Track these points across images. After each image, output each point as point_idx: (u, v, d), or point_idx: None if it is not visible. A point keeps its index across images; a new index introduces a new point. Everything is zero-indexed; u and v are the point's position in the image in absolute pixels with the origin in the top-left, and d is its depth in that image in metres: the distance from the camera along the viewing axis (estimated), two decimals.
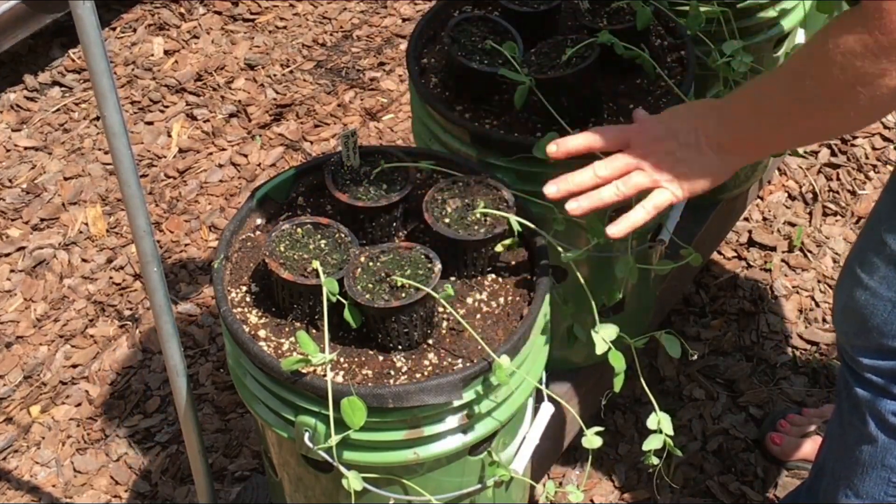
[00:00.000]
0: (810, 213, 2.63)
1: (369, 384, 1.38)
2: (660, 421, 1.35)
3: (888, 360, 1.59)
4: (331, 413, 1.33)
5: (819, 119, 1.31)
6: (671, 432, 1.35)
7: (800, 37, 2.13)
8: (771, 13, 2.03)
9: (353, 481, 1.36)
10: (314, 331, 1.45)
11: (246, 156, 2.83)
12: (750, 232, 2.58)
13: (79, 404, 2.31)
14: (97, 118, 2.95)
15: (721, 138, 1.37)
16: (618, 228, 1.39)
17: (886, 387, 1.61)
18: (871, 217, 1.59)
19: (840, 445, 1.74)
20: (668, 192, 1.39)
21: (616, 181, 1.39)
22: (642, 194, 1.40)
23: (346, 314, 1.38)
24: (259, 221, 1.60)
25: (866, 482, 1.70)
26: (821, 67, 1.25)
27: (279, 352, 1.42)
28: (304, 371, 1.36)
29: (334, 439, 1.33)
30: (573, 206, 1.39)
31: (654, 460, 1.38)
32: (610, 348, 1.34)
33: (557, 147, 1.44)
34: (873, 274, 1.55)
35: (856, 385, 1.65)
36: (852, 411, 1.68)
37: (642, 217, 1.39)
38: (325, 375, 1.36)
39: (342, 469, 1.37)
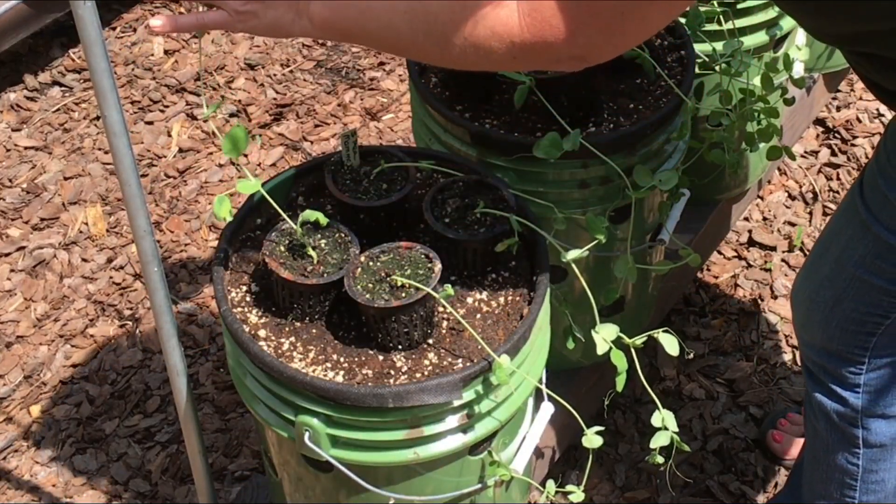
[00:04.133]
0: (810, 213, 2.63)
1: (369, 384, 1.38)
2: (664, 418, 1.35)
3: (829, 360, 1.58)
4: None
5: (415, 50, 1.29)
6: (676, 429, 1.35)
7: (800, 37, 2.13)
8: (771, 13, 2.04)
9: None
10: (314, 330, 1.45)
11: (246, 156, 2.83)
12: (750, 232, 2.58)
13: (79, 404, 2.31)
14: (97, 118, 2.95)
15: (312, 10, 1.30)
16: (162, 21, 1.31)
17: (831, 386, 1.60)
18: (833, 215, 1.59)
19: (806, 440, 1.75)
20: (224, 13, 1.31)
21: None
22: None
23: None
24: (259, 221, 1.60)
25: (825, 483, 1.70)
26: (458, 23, 1.22)
27: (279, 352, 1.42)
28: (303, 370, 1.36)
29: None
30: (156, 22, 1.31)
31: (660, 459, 1.38)
32: (611, 348, 1.34)
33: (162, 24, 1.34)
34: (820, 271, 1.55)
35: (808, 380, 1.65)
36: (808, 407, 1.68)
37: (191, 22, 1.33)
38: (316, 370, 1.36)
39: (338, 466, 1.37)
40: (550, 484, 1.47)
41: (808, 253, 2.54)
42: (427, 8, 1.25)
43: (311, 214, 1.40)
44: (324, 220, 1.43)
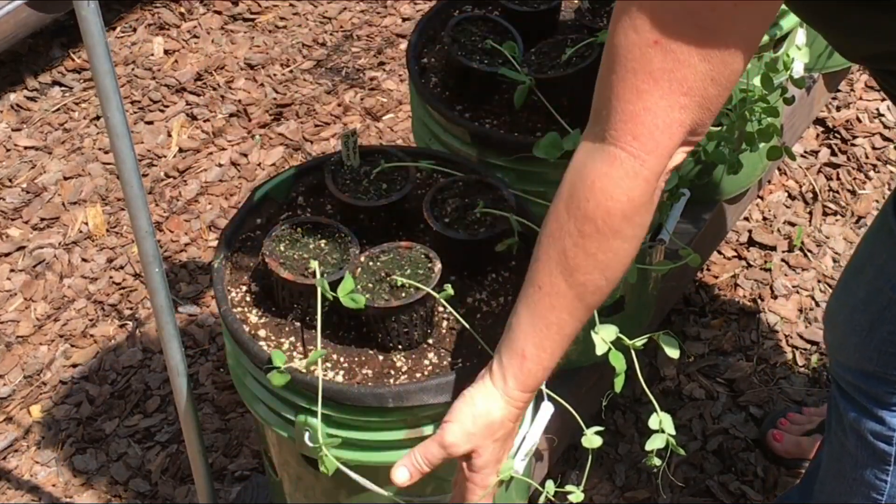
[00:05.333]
0: (810, 213, 2.63)
1: (369, 384, 1.38)
2: (661, 421, 1.35)
3: (866, 381, 1.58)
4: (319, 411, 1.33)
5: (622, 270, 1.22)
6: (673, 431, 1.35)
7: (800, 37, 2.13)
8: None
9: (328, 464, 1.36)
10: (314, 330, 1.45)
11: (246, 155, 2.83)
12: (750, 232, 2.59)
13: (79, 404, 2.31)
14: (97, 118, 2.95)
15: (523, 390, 1.29)
16: None
17: (867, 406, 1.60)
18: (864, 236, 1.59)
19: (827, 452, 1.74)
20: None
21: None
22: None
23: (345, 300, 1.36)
24: (259, 221, 1.60)
25: (848, 494, 1.70)
26: (589, 242, 1.17)
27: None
28: (303, 370, 1.36)
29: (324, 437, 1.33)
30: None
31: (657, 461, 1.38)
32: (610, 349, 1.34)
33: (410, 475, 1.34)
34: (855, 294, 1.55)
35: (840, 398, 1.64)
36: (837, 423, 1.67)
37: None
38: (314, 371, 1.36)
39: (328, 456, 1.37)
40: (550, 484, 1.47)
41: (808, 253, 2.54)
42: (575, 277, 1.19)
43: (322, 283, 1.38)
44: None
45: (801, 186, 2.69)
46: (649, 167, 1.13)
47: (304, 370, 1.37)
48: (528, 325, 1.24)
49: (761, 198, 2.66)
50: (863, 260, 1.55)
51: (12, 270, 2.58)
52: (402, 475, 1.31)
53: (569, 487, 1.42)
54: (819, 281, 2.48)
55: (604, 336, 1.34)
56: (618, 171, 1.13)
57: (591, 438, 1.39)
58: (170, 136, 2.90)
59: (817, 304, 2.44)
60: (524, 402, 1.29)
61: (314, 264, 1.42)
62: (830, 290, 2.46)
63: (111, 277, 2.55)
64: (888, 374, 1.54)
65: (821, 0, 1.26)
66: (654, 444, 1.35)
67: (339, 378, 1.39)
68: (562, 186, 1.18)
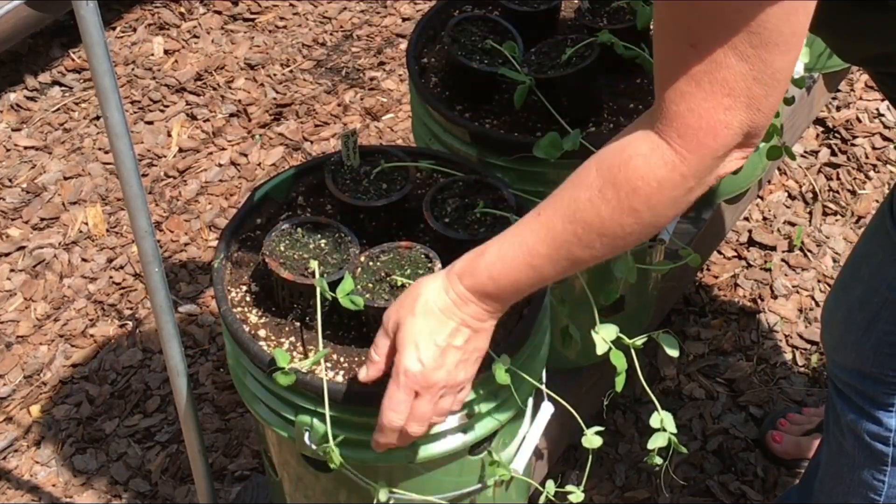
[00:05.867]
0: (810, 213, 2.63)
1: (369, 384, 1.38)
2: (662, 419, 1.35)
3: (863, 382, 1.58)
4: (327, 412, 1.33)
5: (618, 250, 1.22)
6: (674, 430, 1.35)
7: None
8: None
9: (381, 494, 1.36)
10: (314, 330, 1.45)
11: (246, 155, 2.83)
12: (750, 232, 2.59)
13: (79, 404, 2.31)
14: (97, 118, 2.95)
15: (491, 308, 1.27)
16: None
17: (864, 407, 1.60)
18: (862, 235, 1.59)
19: (825, 453, 1.74)
20: (466, 389, 1.32)
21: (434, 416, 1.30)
22: None
23: (344, 301, 1.36)
24: (259, 221, 1.60)
25: (846, 494, 1.70)
26: (612, 207, 1.17)
27: None
28: (304, 370, 1.36)
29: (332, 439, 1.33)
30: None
31: (658, 460, 1.38)
32: (610, 348, 1.34)
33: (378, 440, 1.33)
34: (852, 293, 1.55)
35: (837, 399, 1.64)
36: (835, 423, 1.67)
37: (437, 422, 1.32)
38: (316, 370, 1.36)
39: (348, 469, 1.37)
40: (550, 484, 1.47)
41: (808, 253, 2.54)
42: (578, 219, 1.18)
43: (321, 283, 1.37)
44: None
45: (801, 186, 2.69)
46: (689, 165, 1.13)
47: (304, 370, 1.37)
48: (506, 234, 1.25)
49: (761, 198, 2.66)
50: (860, 259, 1.55)
51: (12, 270, 2.58)
52: (362, 372, 1.32)
53: (569, 487, 1.42)
54: (819, 281, 2.48)
55: (604, 336, 1.34)
56: (657, 158, 1.14)
57: (591, 438, 1.39)
58: (170, 136, 2.90)
59: (817, 304, 2.44)
60: (459, 296, 1.25)
61: (314, 264, 1.42)
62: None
63: (111, 277, 2.55)
64: (885, 374, 1.54)
65: (819, 1, 1.26)
66: (656, 442, 1.35)
67: (339, 378, 1.39)
68: (606, 146, 1.19)
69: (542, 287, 1.28)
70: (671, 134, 1.13)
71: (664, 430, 1.34)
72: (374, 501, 1.40)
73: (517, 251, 1.23)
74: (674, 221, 1.84)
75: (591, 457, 1.48)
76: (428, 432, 1.31)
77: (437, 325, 1.26)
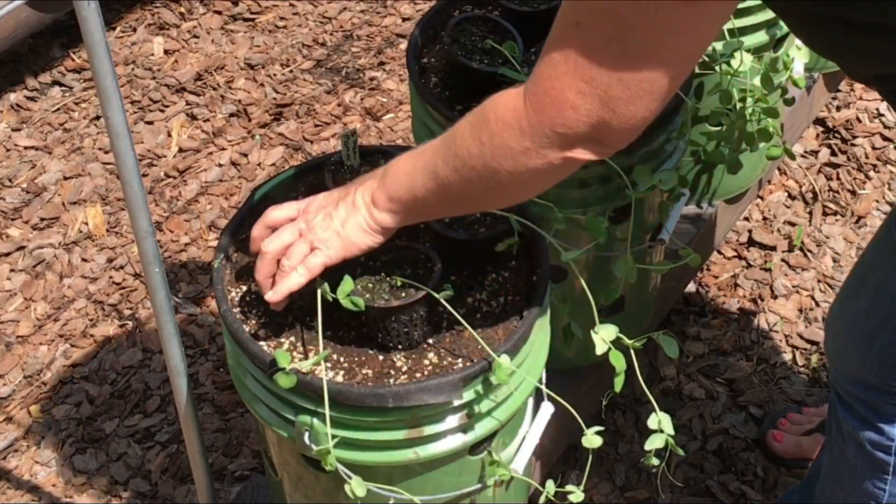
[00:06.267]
0: (810, 213, 2.63)
1: (369, 384, 1.38)
2: (660, 421, 1.35)
3: (866, 391, 1.58)
4: (327, 413, 1.33)
5: (472, 192, 1.27)
6: (672, 432, 1.35)
7: None
8: (770, 13, 2.03)
9: (357, 487, 1.36)
10: (312, 330, 1.45)
11: (246, 155, 2.83)
12: (750, 232, 2.59)
13: (79, 404, 2.31)
14: (97, 118, 2.95)
15: (375, 195, 1.32)
16: (275, 293, 1.36)
17: (866, 416, 1.60)
18: (868, 246, 1.58)
19: (827, 458, 1.74)
20: (322, 252, 1.34)
21: (298, 264, 1.35)
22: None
23: (344, 301, 1.36)
24: None
25: (846, 499, 1.70)
26: (472, 128, 1.23)
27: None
28: (304, 371, 1.36)
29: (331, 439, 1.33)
30: (270, 297, 1.37)
31: (655, 461, 1.38)
32: (610, 349, 1.34)
33: (252, 242, 1.42)
34: (857, 303, 1.54)
35: (840, 407, 1.64)
36: (837, 431, 1.67)
37: (298, 281, 1.35)
38: (316, 371, 1.36)
39: (342, 470, 1.37)
40: (550, 484, 1.47)
41: (808, 253, 2.54)
42: (451, 132, 1.26)
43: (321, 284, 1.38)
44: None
45: (801, 186, 2.69)
46: (529, 121, 1.16)
47: (305, 371, 1.37)
48: (423, 144, 1.32)
49: (761, 198, 2.66)
50: (865, 270, 1.54)
51: (12, 270, 2.58)
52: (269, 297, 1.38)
53: (569, 487, 1.42)
54: (819, 281, 2.48)
55: (604, 336, 1.34)
56: (511, 102, 1.18)
57: (591, 438, 1.39)
58: (170, 136, 2.90)
59: (817, 304, 2.44)
60: (369, 175, 1.34)
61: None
62: (830, 290, 2.46)
63: (111, 277, 2.55)
64: (888, 385, 1.53)
65: (819, 26, 1.25)
66: (653, 444, 1.35)
67: (339, 378, 1.39)
68: None
69: (411, 205, 1.31)
70: (530, 87, 1.16)
71: (661, 431, 1.34)
72: (350, 492, 1.38)
73: (421, 147, 1.31)
74: (674, 221, 1.85)
75: (591, 457, 1.48)
76: (272, 277, 1.37)
77: (343, 186, 1.37)
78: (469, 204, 1.33)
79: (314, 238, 1.34)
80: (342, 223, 1.33)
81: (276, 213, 1.40)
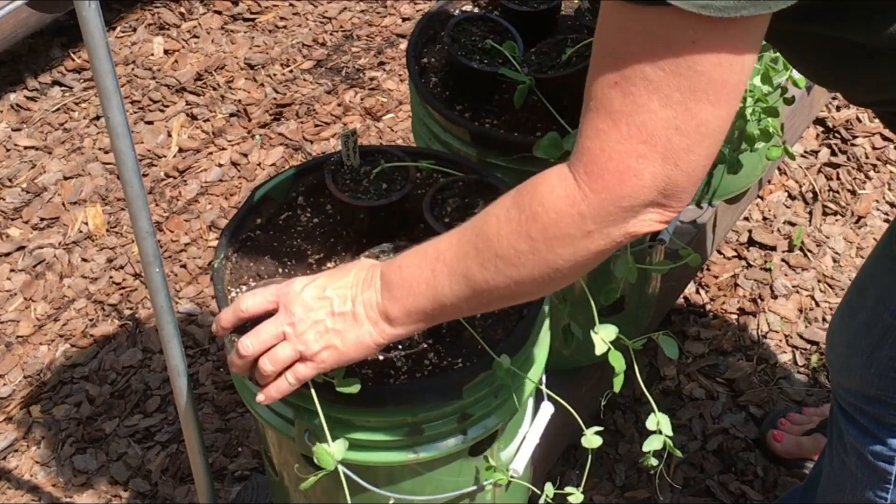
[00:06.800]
0: (810, 213, 2.63)
1: (369, 384, 1.38)
2: (659, 422, 1.35)
3: (868, 403, 1.58)
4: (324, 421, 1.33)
5: (520, 289, 1.16)
6: (671, 433, 1.35)
7: None
8: None
9: (337, 449, 1.33)
10: None
11: (246, 155, 2.83)
12: (750, 232, 2.59)
13: (79, 404, 2.31)
14: (97, 118, 2.95)
15: (388, 310, 1.22)
16: (266, 397, 1.29)
17: (868, 427, 1.59)
18: (867, 259, 1.58)
19: (828, 465, 1.74)
20: (314, 366, 1.26)
21: (285, 371, 1.27)
22: None
23: (340, 387, 1.32)
24: (259, 221, 1.60)
25: None
26: (513, 225, 1.12)
27: None
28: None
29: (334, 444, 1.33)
30: (262, 400, 1.29)
31: (654, 462, 1.38)
32: (610, 349, 1.34)
33: (217, 326, 1.33)
34: (857, 316, 1.54)
35: (842, 418, 1.64)
36: (838, 440, 1.67)
37: (287, 389, 1.28)
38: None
39: (342, 470, 1.37)
40: (549, 485, 1.47)
41: (808, 253, 2.54)
42: (482, 233, 1.14)
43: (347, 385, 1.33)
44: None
45: (801, 186, 2.69)
46: (589, 205, 1.07)
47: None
48: (438, 236, 1.21)
49: (761, 198, 2.66)
50: (865, 282, 1.54)
51: (12, 270, 2.58)
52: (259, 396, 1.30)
53: (568, 489, 1.42)
54: (819, 281, 2.48)
55: (604, 336, 1.34)
56: (562, 189, 1.09)
57: (591, 439, 1.39)
58: (170, 136, 2.90)
59: (817, 304, 2.44)
60: (370, 275, 1.23)
61: None
62: (830, 290, 2.46)
63: (111, 277, 2.55)
64: (889, 397, 1.53)
65: (812, 55, 1.23)
66: (651, 445, 1.35)
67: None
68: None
69: (437, 313, 1.20)
70: (579, 168, 1.07)
71: (660, 432, 1.34)
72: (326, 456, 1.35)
73: (429, 251, 1.19)
74: (674, 221, 1.85)
75: (590, 457, 1.48)
76: (277, 392, 1.28)
77: (339, 280, 1.24)
78: (512, 300, 1.21)
79: (306, 350, 1.25)
80: (341, 339, 1.24)
81: (249, 302, 1.28)
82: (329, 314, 1.23)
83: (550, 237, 1.10)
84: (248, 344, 1.26)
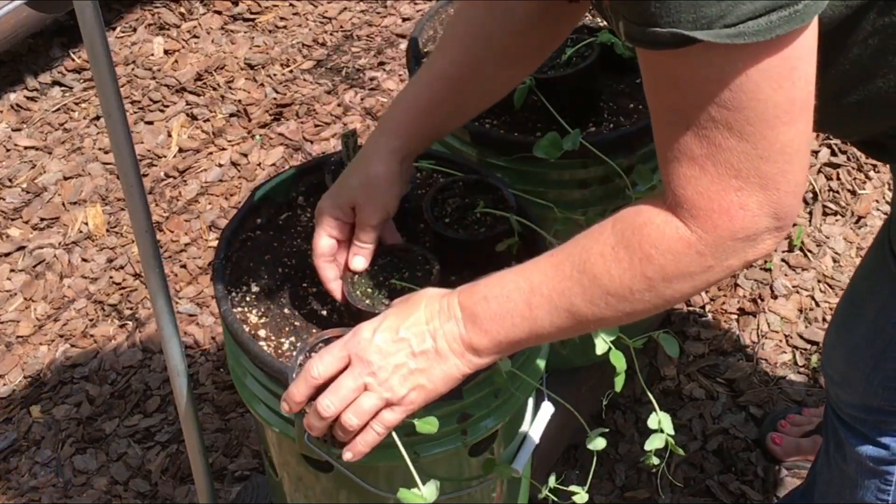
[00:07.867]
0: (810, 213, 2.63)
1: None
2: (660, 420, 1.35)
3: (870, 413, 1.57)
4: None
5: (630, 317, 1.15)
6: (672, 432, 1.35)
7: None
8: None
9: (428, 492, 1.30)
10: (314, 330, 1.44)
11: (246, 155, 2.83)
12: None
13: (79, 404, 2.31)
14: (97, 118, 2.95)
15: (474, 342, 1.19)
16: (354, 454, 1.24)
17: (869, 434, 1.59)
18: (858, 267, 1.57)
19: (825, 474, 1.74)
20: (403, 409, 1.22)
21: (371, 421, 1.23)
22: None
23: (421, 428, 1.29)
24: (259, 221, 1.60)
25: None
26: (624, 265, 1.10)
27: (279, 352, 1.42)
28: None
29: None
30: (350, 458, 1.25)
31: (655, 460, 1.38)
32: (610, 348, 1.34)
33: (290, 403, 1.27)
34: (856, 330, 1.53)
35: (842, 428, 1.63)
36: (836, 448, 1.66)
37: (377, 440, 1.24)
38: None
39: (343, 470, 1.37)
40: (553, 476, 1.47)
41: (808, 253, 2.54)
42: (586, 270, 1.12)
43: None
44: None
45: None
46: (706, 244, 1.06)
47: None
48: (518, 267, 1.18)
49: None
50: (862, 295, 1.53)
51: (12, 270, 2.58)
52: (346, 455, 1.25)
53: (573, 488, 1.42)
54: (819, 281, 2.48)
55: (604, 336, 1.34)
56: (672, 231, 1.07)
57: (596, 441, 1.39)
58: (170, 136, 2.90)
59: (817, 304, 2.44)
60: (448, 305, 1.20)
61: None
62: (830, 290, 2.46)
63: (111, 277, 2.55)
64: (893, 406, 1.53)
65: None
66: (653, 444, 1.35)
67: None
68: (627, 208, 1.13)
69: (529, 342, 1.19)
70: (683, 214, 1.06)
71: (662, 431, 1.34)
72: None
73: (521, 284, 1.17)
74: None
75: (594, 459, 1.47)
76: (364, 446, 1.24)
77: (410, 317, 1.21)
78: (609, 325, 1.21)
79: (392, 396, 1.21)
80: (427, 378, 1.21)
81: (321, 369, 1.23)
82: (410, 355, 1.20)
83: (669, 276, 1.09)
84: (328, 404, 1.21)
